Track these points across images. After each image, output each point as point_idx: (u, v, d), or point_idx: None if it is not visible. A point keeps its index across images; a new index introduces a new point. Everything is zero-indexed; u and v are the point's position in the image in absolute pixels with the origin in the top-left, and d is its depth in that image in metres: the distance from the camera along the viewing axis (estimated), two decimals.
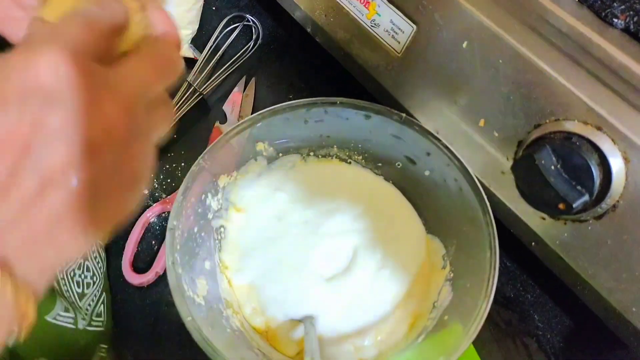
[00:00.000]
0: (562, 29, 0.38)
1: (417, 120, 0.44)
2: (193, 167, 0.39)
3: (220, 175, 0.44)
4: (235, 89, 0.62)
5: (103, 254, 0.44)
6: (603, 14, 0.38)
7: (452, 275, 0.42)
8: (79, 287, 0.40)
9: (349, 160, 0.50)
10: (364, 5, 0.47)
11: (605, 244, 0.37)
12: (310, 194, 0.48)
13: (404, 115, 0.42)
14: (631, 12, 0.37)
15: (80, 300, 0.40)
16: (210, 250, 0.43)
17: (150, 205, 0.53)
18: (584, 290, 0.39)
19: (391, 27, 0.46)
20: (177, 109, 0.58)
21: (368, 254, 0.45)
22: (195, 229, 0.40)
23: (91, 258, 0.42)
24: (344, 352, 0.40)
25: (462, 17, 0.40)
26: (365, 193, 0.48)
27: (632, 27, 0.37)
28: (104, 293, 0.43)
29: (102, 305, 0.42)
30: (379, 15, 0.46)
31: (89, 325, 0.40)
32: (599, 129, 0.34)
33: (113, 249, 0.51)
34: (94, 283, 0.41)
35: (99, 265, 0.42)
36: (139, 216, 0.53)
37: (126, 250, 0.50)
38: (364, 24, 0.48)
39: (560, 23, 0.38)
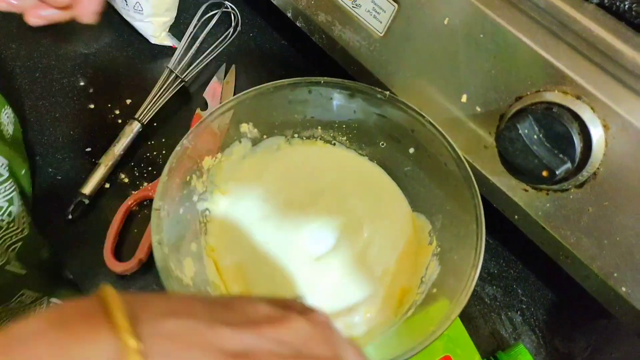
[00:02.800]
0: (539, 4, 0.39)
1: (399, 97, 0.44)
2: (177, 147, 0.38)
3: (205, 157, 0.43)
4: (215, 77, 0.61)
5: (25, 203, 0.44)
6: None
7: (438, 250, 0.42)
8: None
9: (333, 142, 0.50)
10: None
11: (587, 212, 0.37)
12: (296, 176, 0.48)
13: (387, 93, 0.43)
14: None
15: None
16: (196, 233, 0.42)
17: (132, 193, 0.52)
18: (566, 259, 0.40)
19: (372, 7, 0.46)
20: (158, 96, 0.57)
21: (355, 233, 0.45)
22: (181, 211, 0.39)
23: (18, 205, 0.41)
24: None
25: None
26: (351, 173, 0.48)
27: (606, 1, 0.38)
28: (20, 243, 0.42)
29: (12, 252, 0.41)
30: None
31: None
32: (578, 98, 0.35)
33: (94, 239, 0.50)
34: (7, 228, 0.41)
35: (23, 214, 0.42)
36: (120, 205, 0.51)
37: (107, 239, 0.49)
38: (345, 5, 0.48)
39: None
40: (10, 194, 0.40)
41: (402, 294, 0.42)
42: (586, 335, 0.48)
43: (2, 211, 0.40)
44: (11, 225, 0.41)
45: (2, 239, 0.40)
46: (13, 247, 0.41)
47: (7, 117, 0.48)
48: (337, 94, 0.44)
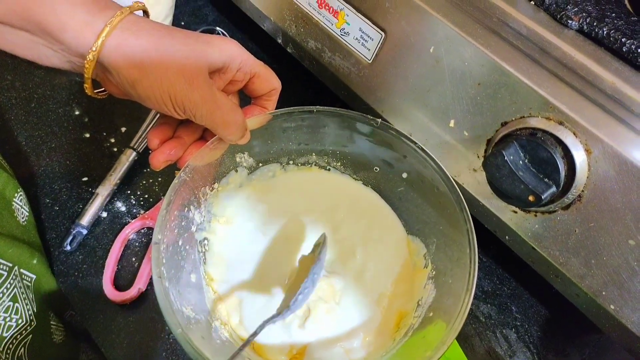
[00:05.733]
0: (521, 32, 0.40)
1: (391, 124, 0.45)
2: (175, 181, 0.39)
3: (202, 188, 0.44)
4: None
5: (31, 295, 0.44)
6: (558, 16, 0.40)
7: (434, 273, 0.43)
8: None
9: (328, 167, 0.51)
10: (333, 15, 0.49)
11: (574, 233, 0.39)
12: (292, 204, 0.48)
13: (379, 120, 0.44)
14: (584, 14, 0.40)
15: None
16: (195, 263, 0.43)
17: (129, 222, 0.53)
18: (556, 278, 0.41)
19: (360, 35, 0.47)
20: (153, 124, 0.58)
21: (351, 259, 0.46)
22: (180, 242, 0.40)
23: (21, 299, 0.42)
24: (335, 355, 0.40)
25: (428, 23, 0.42)
26: (346, 198, 0.49)
27: (585, 27, 0.40)
28: (30, 335, 0.42)
29: (22, 348, 0.42)
30: (348, 24, 0.48)
31: None
32: (561, 123, 0.37)
33: (93, 268, 0.50)
34: (17, 325, 0.41)
35: (28, 307, 0.42)
36: (118, 233, 0.52)
37: (106, 268, 0.50)
38: (334, 33, 0.49)
39: (519, 26, 0.40)
40: (12, 291, 0.41)
41: (399, 318, 0.43)
42: (579, 349, 0.49)
43: (10, 310, 0.40)
44: (20, 322, 0.41)
45: (13, 337, 0.41)
46: (24, 341, 0.42)
47: (20, 201, 0.48)
48: (330, 122, 0.46)
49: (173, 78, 0.33)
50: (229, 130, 0.38)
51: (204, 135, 0.43)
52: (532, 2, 0.42)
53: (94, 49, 0.32)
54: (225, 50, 0.37)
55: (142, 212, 0.55)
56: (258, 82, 0.41)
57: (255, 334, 0.36)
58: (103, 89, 0.37)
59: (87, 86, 0.35)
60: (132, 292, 0.48)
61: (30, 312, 0.43)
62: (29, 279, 0.44)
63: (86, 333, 0.48)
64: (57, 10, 0.31)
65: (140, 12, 0.36)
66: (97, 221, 0.53)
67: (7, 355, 0.40)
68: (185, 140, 0.41)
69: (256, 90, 0.42)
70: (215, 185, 0.46)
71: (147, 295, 0.49)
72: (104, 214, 0.54)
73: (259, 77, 0.40)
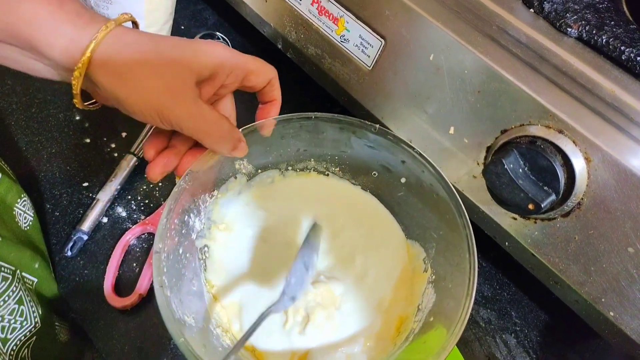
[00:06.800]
0: (520, 39, 0.40)
1: (390, 130, 0.45)
2: (175, 189, 0.39)
3: (201, 195, 0.44)
4: None
5: (35, 298, 0.44)
6: (558, 24, 0.41)
7: (433, 277, 0.44)
8: (1, 332, 0.40)
9: (326, 173, 0.51)
10: (333, 22, 0.49)
11: (573, 240, 0.39)
12: (291, 210, 0.49)
13: (377, 126, 0.44)
14: (583, 22, 0.40)
15: (3, 346, 0.40)
16: (196, 271, 0.43)
17: (129, 228, 0.53)
18: (556, 284, 0.41)
19: (360, 42, 0.47)
20: (152, 130, 0.58)
21: (350, 264, 0.46)
22: (180, 250, 0.40)
23: (27, 301, 0.42)
24: None
25: (428, 31, 0.42)
26: (345, 204, 0.49)
27: (584, 35, 0.40)
28: (35, 337, 0.43)
29: (26, 350, 0.42)
30: (348, 31, 0.48)
31: None
32: (560, 131, 0.37)
33: (94, 274, 0.51)
34: (21, 327, 0.41)
35: (33, 309, 0.43)
36: (119, 239, 0.52)
37: (107, 274, 0.50)
38: (334, 40, 0.49)
39: (519, 34, 0.41)
40: (17, 294, 0.41)
41: (399, 323, 0.43)
42: (579, 354, 0.50)
43: (15, 313, 0.40)
44: (25, 324, 0.42)
45: (17, 339, 0.41)
46: (27, 343, 0.42)
47: (24, 206, 0.48)
48: (329, 127, 0.46)
49: (158, 94, 0.33)
50: (217, 143, 0.38)
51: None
52: (532, 10, 0.42)
53: (79, 65, 0.32)
54: (213, 57, 0.36)
55: (142, 217, 0.55)
56: (253, 77, 0.39)
57: (256, 324, 0.36)
58: (94, 100, 0.37)
59: (76, 100, 0.35)
60: (133, 298, 0.48)
61: (35, 315, 0.43)
62: (31, 282, 0.45)
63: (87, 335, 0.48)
64: (43, 27, 0.31)
65: (129, 24, 0.36)
66: (97, 227, 0.54)
67: (11, 357, 0.40)
68: (179, 148, 0.40)
69: (254, 86, 0.40)
70: (215, 192, 0.46)
71: (148, 301, 0.50)
72: (105, 220, 0.54)
73: (252, 74, 0.39)
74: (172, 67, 0.34)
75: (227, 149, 0.39)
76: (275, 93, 0.42)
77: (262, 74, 0.40)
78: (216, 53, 0.36)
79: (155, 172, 0.39)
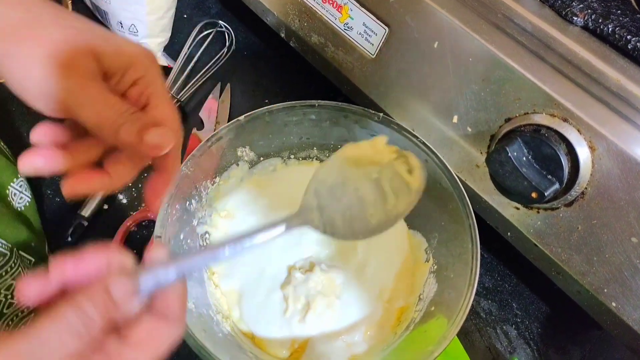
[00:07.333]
0: (526, 28, 0.40)
1: (393, 119, 0.45)
2: (176, 175, 0.39)
3: (203, 181, 0.44)
4: (211, 96, 0.62)
5: None
6: (563, 12, 0.40)
7: (435, 267, 0.43)
8: None
9: None
10: (337, 9, 0.48)
11: (576, 230, 0.39)
12: (293, 198, 0.48)
13: (381, 114, 0.44)
14: (589, 11, 0.39)
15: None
16: None
17: (130, 214, 0.53)
18: (558, 275, 0.41)
19: (364, 30, 0.47)
20: None
21: (352, 254, 0.46)
22: (181, 236, 0.40)
23: None
24: (336, 349, 0.41)
25: (433, 18, 0.42)
26: None
27: (590, 24, 0.40)
28: (33, 313, 0.42)
29: (23, 326, 0.42)
30: (352, 19, 0.47)
31: None
32: (565, 120, 0.36)
33: None
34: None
35: None
36: (119, 226, 0.52)
37: None
38: (338, 28, 0.49)
39: (524, 22, 0.40)
40: (16, 270, 0.41)
41: (400, 312, 0.43)
42: (580, 346, 0.49)
43: (12, 289, 0.40)
44: None
45: (14, 314, 0.41)
46: (25, 319, 0.42)
47: (20, 187, 0.48)
48: (332, 116, 0.45)
49: (51, 67, 0.26)
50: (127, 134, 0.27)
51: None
52: None
53: None
54: (126, 47, 0.29)
55: (143, 204, 0.54)
56: (154, 110, 0.29)
57: (261, 229, 0.28)
58: None
59: None
60: None
61: None
62: (29, 262, 0.45)
63: None
64: None
65: None
66: (98, 213, 0.53)
67: (8, 330, 0.40)
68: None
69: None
70: (217, 179, 0.45)
71: None
72: (106, 206, 0.54)
73: (155, 108, 0.29)
74: (67, 31, 0.27)
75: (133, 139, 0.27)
76: (169, 165, 0.31)
77: (165, 121, 0.29)
78: (133, 47, 0.29)
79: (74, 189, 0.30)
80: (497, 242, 0.46)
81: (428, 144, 0.42)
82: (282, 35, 0.57)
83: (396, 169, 0.30)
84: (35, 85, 0.27)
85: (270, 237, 0.27)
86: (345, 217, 0.29)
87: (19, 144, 0.57)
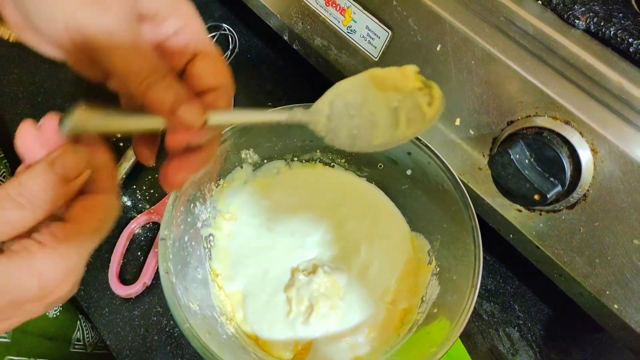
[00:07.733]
0: (528, 31, 0.40)
1: None
2: None
3: (207, 184, 0.44)
4: None
5: None
6: (565, 15, 0.40)
7: (438, 269, 0.44)
8: None
9: (332, 164, 0.51)
10: (340, 13, 0.49)
11: (578, 232, 0.39)
12: (296, 200, 0.49)
13: None
14: (591, 14, 0.40)
15: None
16: (201, 259, 0.43)
17: (135, 217, 0.53)
18: (560, 277, 0.41)
19: (367, 33, 0.47)
20: None
21: (355, 256, 0.46)
22: (186, 238, 0.41)
23: None
24: (339, 350, 0.41)
25: (435, 21, 0.42)
26: (350, 195, 0.49)
27: (592, 27, 0.40)
28: None
29: None
30: (355, 22, 0.48)
31: None
32: (567, 123, 0.37)
33: (98, 262, 0.51)
34: None
35: None
36: (124, 228, 0.52)
37: (112, 263, 0.50)
38: (341, 31, 0.49)
39: (526, 25, 0.40)
40: None
41: (403, 314, 0.43)
42: (582, 348, 0.50)
43: None
44: None
45: None
46: None
47: (5, 178, 0.48)
48: None
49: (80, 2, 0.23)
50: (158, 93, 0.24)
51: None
52: (539, 2, 0.42)
53: None
54: None
55: (147, 206, 0.55)
56: (202, 66, 0.27)
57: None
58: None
59: None
60: (137, 286, 0.49)
61: None
62: None
63: (82, 309, 0.48)
64: None
65: None
66: None
67: None
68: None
69: (198, 79, 0.27)
70: (221, 181, 0.46)
71: (152, 290, 0.50)
72: None
73: (204, 59, 0.27)
74: None
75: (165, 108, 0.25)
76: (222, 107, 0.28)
77: (218, 71, 0.28)
78: None
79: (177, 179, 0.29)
80: (499, 244, 0.46)
81: (430, 147, 0.43)
82: (285, 38, 0.57)
83: (417, 101, 0.30)
84: (61, 18, 0.24)
85: (268, 120, 0.28)
86: (350, 133, 0.30)
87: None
